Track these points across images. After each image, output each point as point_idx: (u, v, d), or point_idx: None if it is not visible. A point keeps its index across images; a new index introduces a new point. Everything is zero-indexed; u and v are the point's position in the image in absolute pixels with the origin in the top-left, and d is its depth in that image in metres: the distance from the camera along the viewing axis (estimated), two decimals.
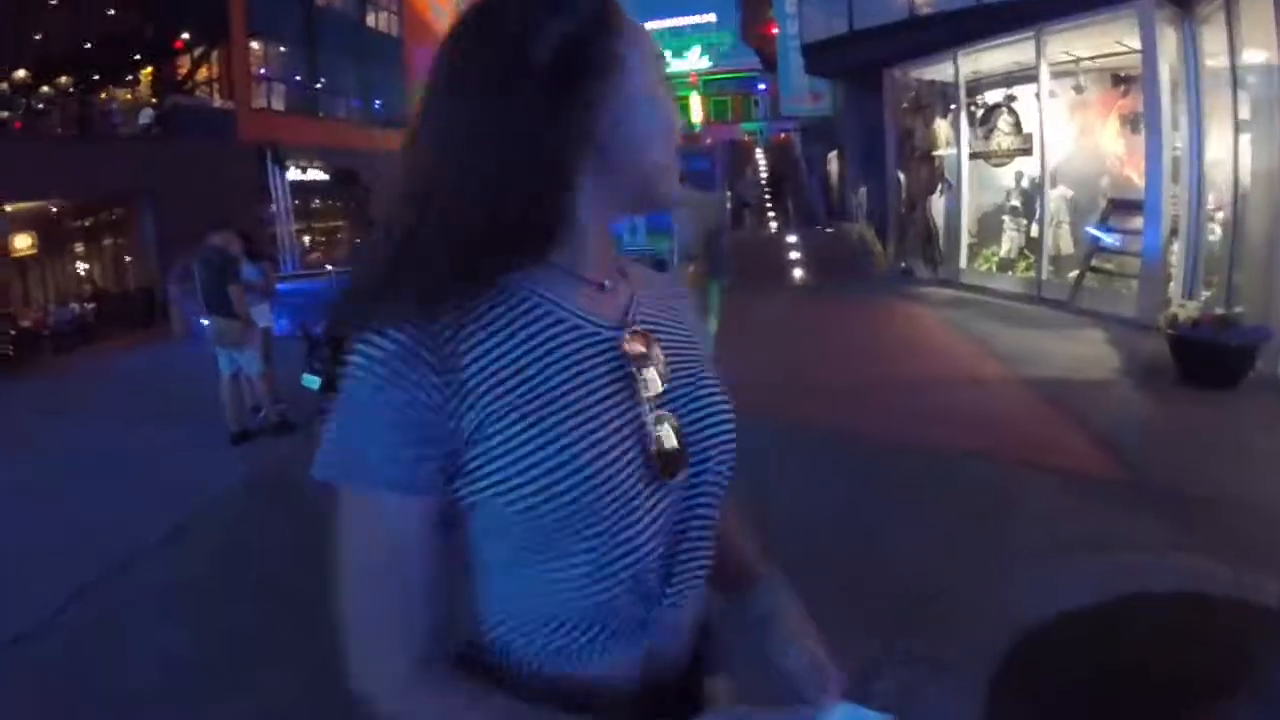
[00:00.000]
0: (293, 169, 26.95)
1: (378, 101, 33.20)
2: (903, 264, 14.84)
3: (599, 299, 0.92)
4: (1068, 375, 7.43)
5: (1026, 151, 12.02)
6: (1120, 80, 10.91)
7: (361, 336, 0.81)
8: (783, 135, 39.60)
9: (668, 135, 0.91)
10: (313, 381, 5.90)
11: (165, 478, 6.19)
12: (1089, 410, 6.33)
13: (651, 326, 0.95)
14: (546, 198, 0.84)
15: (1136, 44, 10.16)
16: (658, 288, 1.05)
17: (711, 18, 52.22)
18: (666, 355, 0.93)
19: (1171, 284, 9.72)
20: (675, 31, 52.62)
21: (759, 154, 33.07)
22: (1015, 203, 12.86)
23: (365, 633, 0.85)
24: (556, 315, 0.87)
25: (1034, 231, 12.59)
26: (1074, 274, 11.52)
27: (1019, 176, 12.75)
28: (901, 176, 14.73)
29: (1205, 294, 9.51)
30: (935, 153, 13.72)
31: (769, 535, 1.22)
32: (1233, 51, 8.62)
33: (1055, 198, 11.87)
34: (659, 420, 0.89)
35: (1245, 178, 8.84)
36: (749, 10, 35.62)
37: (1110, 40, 10.64)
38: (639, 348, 0.90)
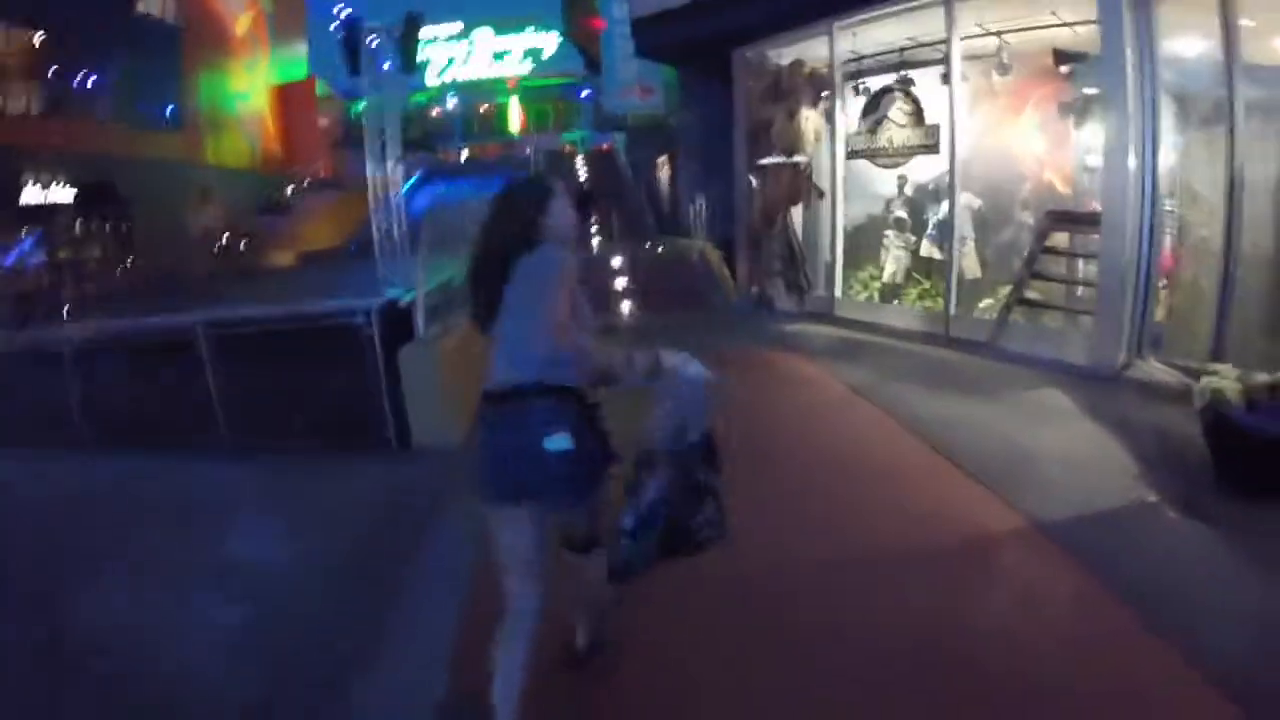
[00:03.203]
0: (31, 184, 21.88)
1: (146, 100, 28.02)
2: (755, 290, 11.93)
3: None
4: (1080, 506, 4.47)
5: (930, 148, 9.29)
6: (1067, 58, 8.33)
7: None
8: (605, 146, 37.46)
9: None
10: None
11: None
12: (1164, 603, 3.37)
13: None
14: None
15: (1074, 14, 7.78)
16: None
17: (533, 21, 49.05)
18: None
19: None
20: (498, 30, 49.36)
21: (579, 163, 30.43)
22: (901, 213, 10.18)
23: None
24: None
25: (925, 249, 9.98)
26: (987, 302, 9.00)
27: (902, 182, 10.10)
28: (754, 182, 11.81)
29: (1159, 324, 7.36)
30: (800, 152, 10.82)
31: None
32: (1227, 29, 6.31)
33: (959, 209, 9.25)
34: None
35: (1209, 188, 6.79)
36: (573, 3, 32.68)
37: (1039, 11, 8.16)
38: None
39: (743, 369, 8.10)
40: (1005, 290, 8.98)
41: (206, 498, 5.88)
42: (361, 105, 48.10)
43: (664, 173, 21.97)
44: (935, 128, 9.16)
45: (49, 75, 23.59)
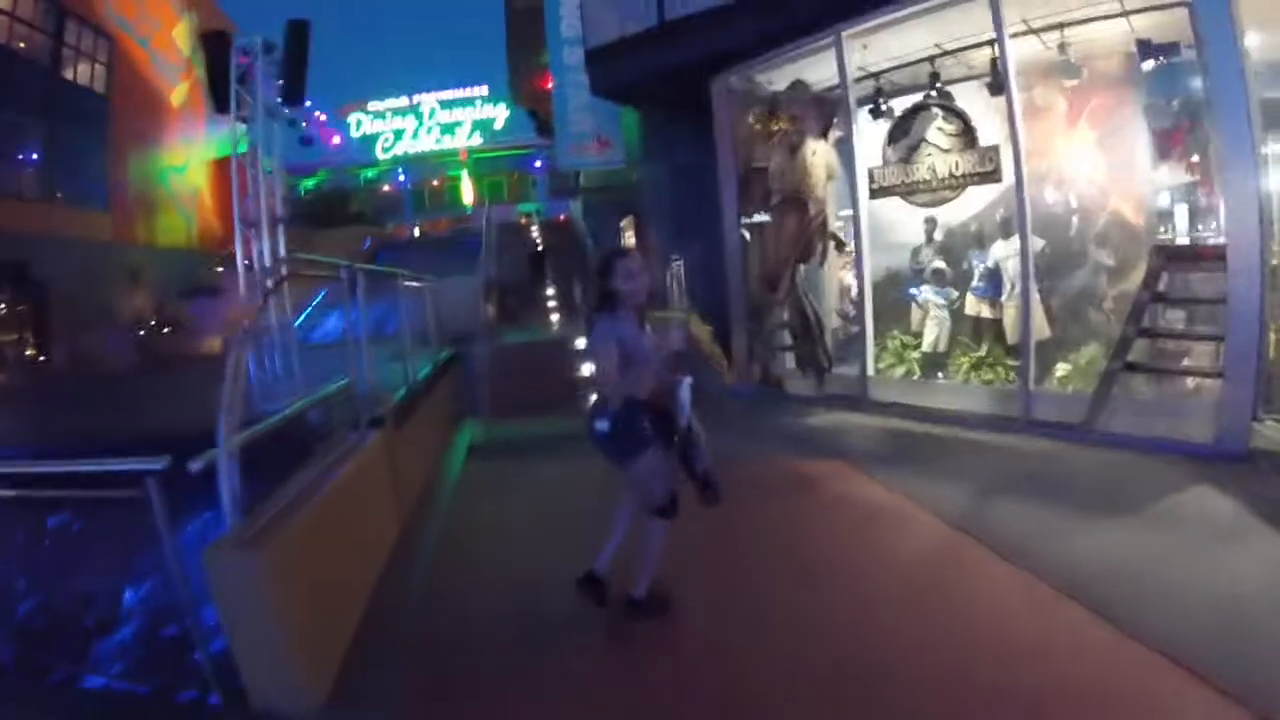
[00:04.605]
0: None
1: (71, 174, 25.73)
2: (758, 369, 9.71)
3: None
4: None
5: (988, 175, 7.23)
6: (1154, 51, 6.35)
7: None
8: (561, 217, 36.02)
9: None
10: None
11: None
12: None
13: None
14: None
15: None
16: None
17: (484, 89, 47.61)
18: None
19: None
20: (446, 105, 48.02)
21: (534, 234, 28.73)
22: (938, 264, 8.11)
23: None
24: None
25: (971, 307, 7.91)
26: (1064, 369, 6.99)
27: (931, 225, 8.08)
28: (748, 236, 9.71)
29: None
30: (808, 195, 8.71)
31: None
32: None
33: (1012, 252, 7.23)
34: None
35: None
36: (519, 67, 31.09)
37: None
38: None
39: (773, 496, 5.57)
40: (1084, 353, 7.03)
41: None
42: (311, 182, 46.25)
43: (629, 236, 19.94)
44: (994, 149, 7.11)
45: None
